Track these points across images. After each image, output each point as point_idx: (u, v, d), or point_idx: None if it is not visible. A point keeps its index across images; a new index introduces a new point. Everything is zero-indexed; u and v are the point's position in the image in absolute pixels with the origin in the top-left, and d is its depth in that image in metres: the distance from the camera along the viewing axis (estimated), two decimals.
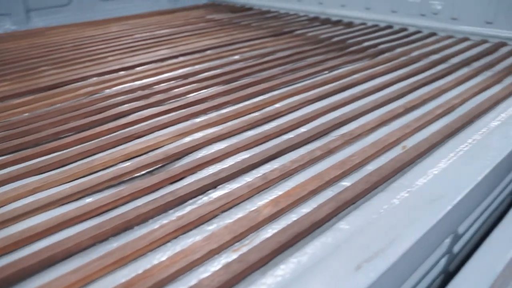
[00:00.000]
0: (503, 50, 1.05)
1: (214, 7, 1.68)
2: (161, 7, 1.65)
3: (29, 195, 0.47)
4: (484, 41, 1.12)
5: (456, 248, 0.54)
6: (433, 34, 1.20)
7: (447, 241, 0.50)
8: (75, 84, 0.83)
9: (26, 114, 0.70)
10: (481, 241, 0.61)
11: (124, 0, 1.58)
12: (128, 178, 0.51)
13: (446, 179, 0.49)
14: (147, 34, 1.22)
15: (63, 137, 0.62)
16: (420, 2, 1.23)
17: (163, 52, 1.01)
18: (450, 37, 1.17)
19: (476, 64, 0.93)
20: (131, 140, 0.59)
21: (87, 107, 0.71)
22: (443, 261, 0.52)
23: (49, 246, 0.38)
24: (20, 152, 0.57)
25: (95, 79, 0.85)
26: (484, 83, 0.79)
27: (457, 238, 0.52)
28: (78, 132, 0.63)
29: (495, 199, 0.63)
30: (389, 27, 1.28)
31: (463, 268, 0.45)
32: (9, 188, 0.48)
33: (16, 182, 0.50)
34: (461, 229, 0.52)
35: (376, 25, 1.30)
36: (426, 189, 0.47)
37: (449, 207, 0.45)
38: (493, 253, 0.48)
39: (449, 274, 0.55)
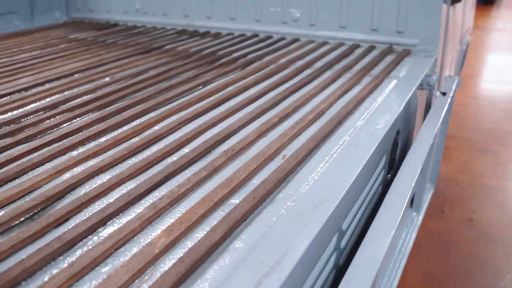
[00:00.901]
0: (358, 52, 1.15)
1: (76, 25, 1.60)
2: (16, 29, 1.54)
3: None
4: (341, 44, 1.22)
5: (342, 243, 0.59)
6: (296, 40, 1.28)
7: (334, 238, 0.54)
8: None
9: None
10: (363, 232, 0.67)
11: None
12: (5, 228, 0.47)
13: (325, 182, 0.53)
14: (5, 60, 1.13)
15: None
16: (281, 11, 1.30)
17: (27, 80, 0.95)
18: (311, 41, 1.26)
19: (337, 67, 1.01)
20: (2, 185, 0.55)
21: None
22: (333, 258, 0.56)
23: None
24: None
25: None
26: (346, 85, 0.86)
27: (342, 234, 0.57)
28: None
29: (369, 192, 0.69)
30: (255, 35, 1.33)
31: (352, 261, 0.50)
32: None
33: None
34: (344, 225, 0.57)
35: (243, 35, 1.35)
36: (309, 196, 0.51)
37: (332, 209, 0.48)
38: (375, 242, 0.53)
39: (339, 268, 0.60)
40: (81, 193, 0.52)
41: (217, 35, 1.37)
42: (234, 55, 1.12)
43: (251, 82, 0.89)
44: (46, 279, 0.38)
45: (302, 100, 0.79)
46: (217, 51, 1.16)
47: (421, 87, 0.99)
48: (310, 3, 1.26)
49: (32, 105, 0.81)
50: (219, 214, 0.48)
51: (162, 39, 1.33)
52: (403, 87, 0.87)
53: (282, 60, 1.06)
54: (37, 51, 1.23)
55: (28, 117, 0.75)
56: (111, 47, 1.24)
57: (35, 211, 0.50)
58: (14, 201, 0.52)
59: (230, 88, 0.86)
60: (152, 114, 0.74)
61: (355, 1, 1.20)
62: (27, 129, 0.70)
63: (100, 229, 0.46)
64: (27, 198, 0.52)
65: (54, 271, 0.40)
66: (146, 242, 0.43)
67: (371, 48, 1.16)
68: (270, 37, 1.32)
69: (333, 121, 0.70)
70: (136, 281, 0.39)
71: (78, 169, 0.57)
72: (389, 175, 0.84)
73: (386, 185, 0.82)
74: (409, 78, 0.93)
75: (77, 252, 0.42)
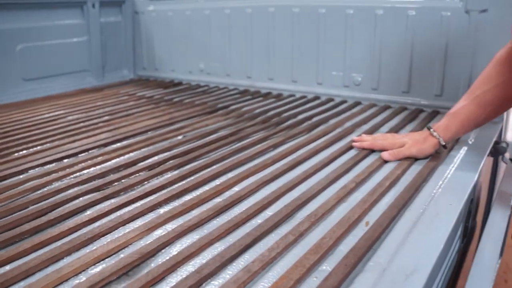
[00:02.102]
0: (422, 116, 1.16)
1: (142, 83, 1.69)
2: (88, 85, 1.63)
3: None
4: (404, 108, 1.23)
5: None
6: (358, 103, 1.30)
7: None
8: (16, 177, 0.79)
9: None
10: None
11: (48, 80, 1.54)
12: (104, 284, 0.48)
13: (413, 252, 0.53)
14: (81, 115, 1.20)
15: (18, 242, 0.58)
16: (343, 75, 1.33)
17: (104, 136, 1.00)
18: (373, 105, 1.27)
19: (403, 132, 1.02)
20: (97, 239, 0.57)
21: (37, 204, 0.68)
22: None
23: None
24: None
25: (37, 170, 0.82)
26: None
27: None
28: (34, 235, 0.60)
29: (448, 260, 0.68)
30: (317, 98, 1.37)
31: None
32: None
33: None
34: None
35: (304, 96, 1.38)
36: (398, 265, 0.50)
37: (425, 280, 0.48)
38: None
39: None
40: (174, 252, 0.53)
41: (279, 96, 1.41)
42: (299, 117, 1.15)
43: (322, 145, 0.91)
44: None
45: (375, 165, 0.80)
46: (282, 112, 1.19)
47: (489, 154, 0.98)
48: (372, 68, 1.28)
49: (113, 161, 0.85)
50: (313, 280, 0.48)
51: (226, 99, 1.38)
52: (474, 155, 0.86)
53: (348, 124, 1.08)
54: (109, 107, 1.30)
55: (111, 173, 0.79)
56: (179, 106, 1.30)
57: (131, 267, 0.51)
58: (110, 256, 0.54)
59: (302, 151, 0.88)
60: (230, 175, 0.76)
61: (418, 67, 1.22)
62: (112, 185, 0.74)
63: None
64: (121, 254, 0.54)
65: None
66: None
67: (435, 113, 1.17)
68: (332, 99, 1.35)
69: (410, 189, 0.70)
70: None
71: (168, 227, 0.59)
72: (462, 243, 0.82)
73: (461, 254, 0.81)
74: (479, 145, 0.92)
75: None
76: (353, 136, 0.97)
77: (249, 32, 1.48)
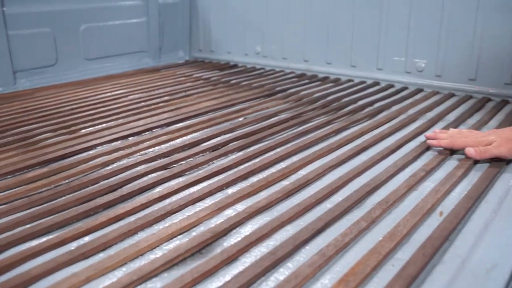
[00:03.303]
0: (489, 106, 1.11)
1: (198, 65, 1.70)
2: (145, 65, 1.66)
3: (82, 285, 0.45)
4: (469, 97, 1.18)
5: None
6: (420, 90, 1.26)
7: None
8: (86, 153, 0.81)
9: (45, 189, 0.68)
10: None
11: (109, 59, 1.58)
12: (179, 260, 0.49)
13: (492, 245, 0.51)
14: (143, 95, 1.22)
15: (93, 215, 0.60)
16: (405, 60, 1.29)
17: (166, 116, 1.01)
18: (436, 92, 1.23)
19: (470, 121, 0.98)
20: (169, 216, 0.58)
21: (108, 179, 0.70)
22: None
23: None
24: (53, 234, 0.55)
25: (105, 146, 0.84)
26: None
27: None
28: (108, 209, 0.61)
29: None
30: (376, 83, 1.33)
31: None
32: (59, 277, 0.46)
33: (63, 270, 0.48)
34: None
35: (363, 82, 1.35)
36: (478, 258, 0.49)
37: (507, 276, 0.46)
38: None
39: None
40: (246, 233, 0.54)
41: (337, 81, 1.39)
42: (360, 102, 1.12)
43: (386, 132, 0.88)
44: None
45: (445, 154, 0.77)
46: (341, 97, 1.17)
47: None
48: (436, 54, 1.24)
49: (177, 141, 0.86)
50: (390, 268, 0.47)
51: (284, 82, 1.36)
52: None
53: (411, 111, 1.05)
54: (168, 88, 1.31)
55: (176, 152, 0.80)
56: (236, 88, 1.30)
57: (204, 245, 0.52)
58: (183, 233, 0.54)
59: (366, 137, 0.86)
60: (295, 158, 0.76)
61: (487, 53, 1.16)
62: (179, 164, 0.75)
63: (274, 272, 0.46)
64: (194, 232, 0.55)
65: None
66: None
67: (504, 103, 1.11)
68: (392, 86, 1.31)
69: (484, 180, 0.67)
70: None
71: (237, 208, 0.59)
72: None
73: None
74: None
75: None
76: (417, 124, 0.95)
77: (308, 15, 1.45)
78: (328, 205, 0.60)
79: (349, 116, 1.01)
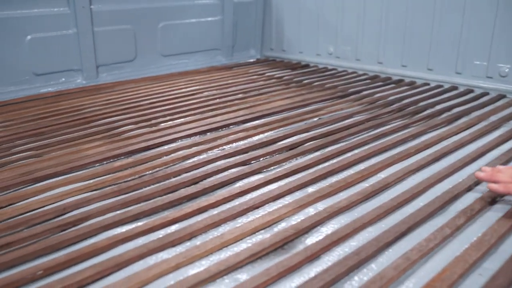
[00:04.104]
0: None
1: (270, 64, 1.72)
2: (218, 63, 1.70)
3: (172, 271, 0.47)
4: None
5: None
6: (502, 96, 1.20)
7: None
8: (167, 146, 0.85)
9: (131, 178, 0.71)
10: None
11: (184, 56, 1.63)
12: (263, 254, 0.50)
13: None
14: (217, 92, 1.25)
15: (177, 205, 0.63)
16: (487, 65, 1.24)
17: (242, 113, 1.03)
18: None
19: None
20: (251, 211, 0.60)
21: (190, 172, 0.72)
22: None
23: None
24: (141, 222, 0.58)
25: (184, 140, 0.87)
26: None
27: None
28: (191, 200, 0.64)
29: None
30: (454, 88, 1.29)
31: None
32: (150, 262, 0.49)
33: (153, 256, 0.50)
34: None
35: (440, 86, 1.31)
36: None
37: None
38: None
39: None
40: (328, 232, 0.54)
41: (412, 84, 1.35)
42: (437, 107, 1.09)
43: (467, 138, 0.86)
44: None
45: None
46: (418, 101, 1.14)
47: None
48: None
49: (254, 138, 0.88)
50: (478, 277, 0.46)
51: (357, 84, 1.35)
52: None
53: (493, 118, 1.01)
54: (241, 85, 1.34)
55: (254, 150, 0.82)
56: (309, 88, 1.30)
57: (286, 242, 0.53)
58: (265, 228, 0.56)
59: (445, 143, 0.84)
60: (373, 161, 0.75)
61: None
62: (257, 160, 0.76)
63: (357, 272, 0.47)
64: (275, 228, 0.56)
65: None
66: None
67: None
68: (471, 91, 1.26)
69: None
70: None
71: (318, 207, 0.60)
72: None
73: None
74: None
75: None
76: (500, 132, 0.91)
77: (384, 15, 1.43)
78: (409, 209, 0.60)
79: (426, 120, 0.98)
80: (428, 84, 1.35)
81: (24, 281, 0.47)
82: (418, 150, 0.80)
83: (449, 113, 1.05)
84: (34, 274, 0.48)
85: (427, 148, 0.82)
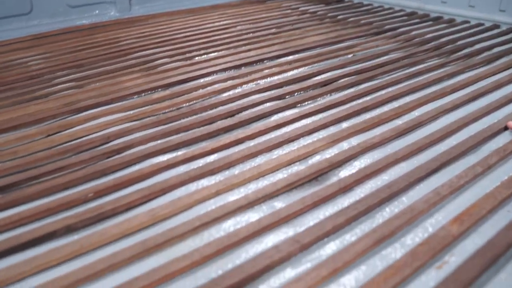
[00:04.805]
0: None
1: None
2: None
3: (213, 197, 0.51)
4: None
5: None
6: None
7: None
8: (202, 79, 0.86)
9: (170, 110, 0.74)
10: None
11: None
12: (298, 184, 0.53)
13: None
14: (250, 26, 1.24)
15: (215, 137, 0.65)
16: None
17: (275, 48, 1.03)
18: None
19: None
20: (286, 144, 0.62)
21: (226, 105, 0.74)
22: None
23: (258, 256, 0.41)
24: (181, 151, 0.61)
25: (220, 74, 0.88)
26: None
27: None
28: (228, 132, 0.66)
29: None
30: (496, 26, 1.25)
31: None
32: (192, 188, 0.52)
33: (195, 183, 0.53)
34: None
35: (481, 24, 1.27)
36: None
37: None
38: None
39: None
40: (361, 166, 0.56)
41: (451, 22, 1.31)
42: (477, 46, 1.07)
43: (506, 79, 0.84)
44: (353, 239, 0.43)
45: None
46: (456, 40, 1.11)
47: None
48: None
49: (288, 73, 0.88)
50: (506, 213, 0.48)
51: (393, 21, 1.32)
52: None
53: None
54: (275, 20, 1.32)
55: (289, 85, 0.83)
56: (343, 24, 1.28)
57: (320, 174, 0.55)
58: (300, 160, 0.58)
59: (483, 83, 0.83)
60: (408, 99, 0.76)
61: None
62: (292, 95, 0.77)
63: (389, 204, 0.49)
64: (309, 161, 0.58)
65: (359, 232, 0.44)
66: (438, 227, 0.45)
67: None
68: None
69: None
70: (436, 262, 0.41)
71: (352, 141, 0.62)
72: None
73: None
74: None
75: (375, 221, 0.46)
76: None
77: None
78: (442, 147, 0.61)
79: (464, 60, 0.97)
80: (468, 22, 1.30)
81: (78, 202, 0.51)
82: (454, 90, 0.80)
83: (488, 52, 1.02)
84: (86, 196, 0.52)
85: (463, 87, 0.81)
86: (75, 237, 0.46)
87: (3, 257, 0.44)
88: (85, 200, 0.51)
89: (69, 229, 0.47)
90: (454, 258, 0.41)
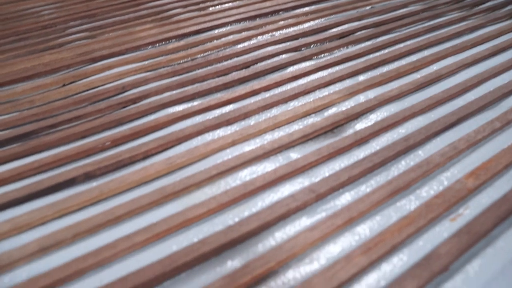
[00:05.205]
0: None
1: None
2: None
3: (229, 147, 0.51)
4: None
5: None
6: None
7: None
8: (217, 30, 0.85)
9: (185, 60, 0.73)
10: None
11: None
12: (314, 136, 0.53)
13: None
14: None
15: (231, 88, 0.65)
16: None
17: None
18: None
19: None
20: (302, 96, 0.62)
21: (241, 56, 0.74)
22: None
23: (274, 205, 0.42)
24: (197, 102, 0.61)
25: (234, 25, 0.87)
26: None
27: None
28: (243, 83, 0.66)
29: None
30: None
31: None
32: (208, 138, 0.52)
33: (211, 133, 0.54)
34: None
35: None
36: None
37: None
38: None
39: None
40: (378, 119, 0.56)
41: None
42: None
43: None
44: (368, 190, 0.43)
45: None
46: None
47: None
48: None
49: (304, 25, 0.87)
50: None
51: None
52: None
53: None
54: None
55: (305, 36, 0.81)
56: None
57: (336, 126, 0.55)
58: (316, 112, 0.58)
59: (505, 38, 0.81)
60: (426, 53, 0.74)
61: None
62: (308, 47, 0.76)
63: (404, 157, 0.49)
64: (326, 113, 0.58)
65: (374, 184, 0.45)
66: (454, 180, 0.45)
67: None
68: None
69: None
70: (451, 215, 0.41)
71: (369, 94, 0.61)
72: None
73: None
74: None
75: (390, 173, 0.46)
76: None
77: None
78: (460, 102, 0.60)
79: (486, 13, 0.94)
80: None
81: (96, 149, 0.52)
82: (475, 44, 0.78)
83: None
84: (103, 144, 0.52)
85: (485, 42, 0.79)
86: (94, 183, 0.47)
87: (25, 202, 0.45)
88: (103, 148, 0.52)
89: (88, 176, 0.48)
90: (469, 211, 0.42)
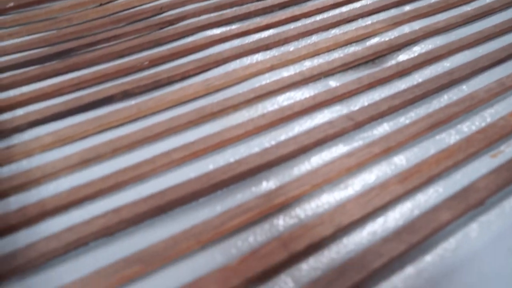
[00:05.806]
0: None
1: None
2: None
3: (268, 72, 0.50)
4: None
5: None
6: None
7: None
8: None
9: None
10: None
11: None
12: (354, 65, 0.52)
13: None
14: None
15: (270, 13, 0.63)
16: None
17: None
18: None
19: None
20: (344, 24, 0.59)
21: None
22: None
23: (311, 130, 0.42)
24: (235, 25, 0.59)
25: None
26: None
27: None
28: (284, 9, 0.64)
29: None
30: None
31: None
32: (246, 63, 0.52)
33: (249, 57, 0.53)
34: None
35: None
36: None
37: None
38: None
39: None
40: (422, 51, 0.54)
41: None
42: None
43: None
44: (407, 122, 0.43)
45: None
46: None
47: None
48: None
49: None
50: None
51: None
52: None
53: None
54: None
55: None
56: None
57: (378, 56, 0.53)
58: (358, 41, 0.56)
59: None
60: None
61: None
62: None
63: (448, 91, 0.47)
64: (368, 42, 0.56)
65: (413, 116, 0.44)
66: (498, 117, 0.44)
67: None
68: None
69: None
70: (492, 151, 0.40)
71: (414, 25, 0.58)
72: None
73: None
74: None
75: (431, 105, 0.45)
76: None
77: None
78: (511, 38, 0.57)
79: None
80: None
81: (134, 69, 0.52)
82: None
83: None
84: (142, 64, 0.52)
85: None
86: (132, 102, 0.47)
87: (67, 116, 0.46)
88: (141, 67, 0.52)
89: (126, 94, 0.48)
90: (511, 149, 0.40)
